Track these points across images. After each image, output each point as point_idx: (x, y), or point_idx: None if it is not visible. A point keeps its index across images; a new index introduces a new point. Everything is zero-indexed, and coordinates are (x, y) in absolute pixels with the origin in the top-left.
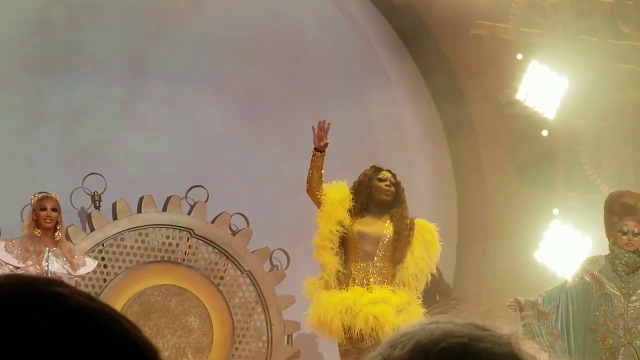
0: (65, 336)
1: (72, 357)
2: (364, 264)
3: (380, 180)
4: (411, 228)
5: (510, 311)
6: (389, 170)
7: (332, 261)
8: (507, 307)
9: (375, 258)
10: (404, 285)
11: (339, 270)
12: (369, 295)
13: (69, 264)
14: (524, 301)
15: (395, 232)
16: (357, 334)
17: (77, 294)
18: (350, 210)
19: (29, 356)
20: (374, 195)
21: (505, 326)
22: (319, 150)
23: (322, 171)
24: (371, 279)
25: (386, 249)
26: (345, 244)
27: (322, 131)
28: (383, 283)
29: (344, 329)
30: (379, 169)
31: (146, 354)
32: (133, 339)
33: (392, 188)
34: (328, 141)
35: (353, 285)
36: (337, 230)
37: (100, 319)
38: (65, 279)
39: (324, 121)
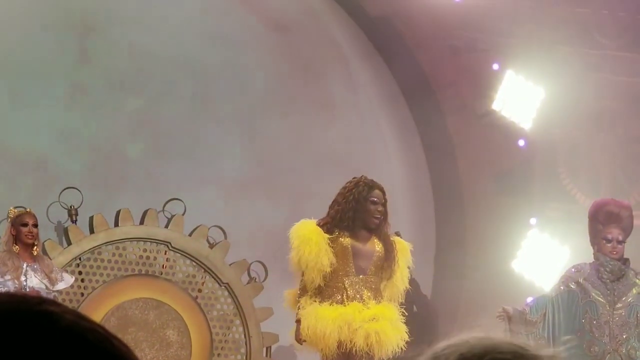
0: (57, 355)
1: None
2: (357, 279)
3: (373, 203)
4: (395, 246)
5: (499, 321)
6: (379, 188)
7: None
8: (497, 317)
9: (368, 272)
10: (390, 301)
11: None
12: (368, 311)
13: (47, 279)
14: (512, 310)
15: (386, 250)
16: (355, 350)
17: (68, 313)
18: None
19: None
20: (363, 217)
21: (546, 349)
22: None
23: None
24: (364, 294)
25: (376, 265)
26: (336, 257)
27: None
28: (375, 298)
29: (337, 344)
30: (371, 187)
31: None
32: (124, 358)
33: (382, 211)
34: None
35: (349, 301)
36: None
37: (91, 338)
38: (44, 294)
39: None
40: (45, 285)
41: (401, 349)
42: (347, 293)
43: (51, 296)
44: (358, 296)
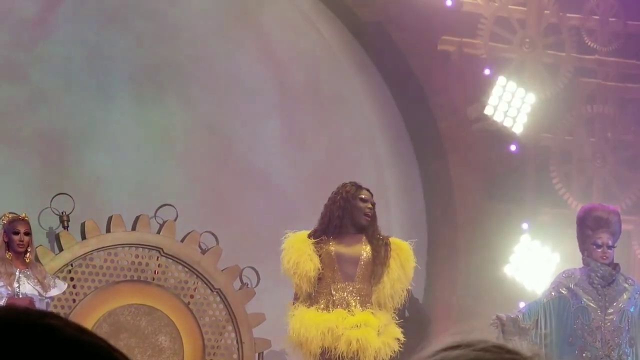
0: None
1: None
2: (344, 285)
3: (363, 200)
4: (386, 247)
5: (493, 329)
6: (367, 189)
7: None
8: (490, 324)
9: (356, 279)
10: (379, 306)
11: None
12: (352, 318)
13: (40, 286)
14: (506, 318)
15: (373, 252)
16: (338, 357)
17: (70, 326)
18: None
19: None
20: (353, 216)
21: (526, 347)
22: None
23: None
24: (351, 300)
25: (365, 270)
26: (323, 264)
27: None
28: (363, 304)
29: (322, 350)
30: (359, 187)
31: None
32: None
33: (373, 210)
34: None
35: (334, 307)
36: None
37: (93, 352)
38: (37, 301)
39: None
40: (38, 292)
41: (394, 351)
42: (332, 299)
43: (44, 303)
44: (344, 303)
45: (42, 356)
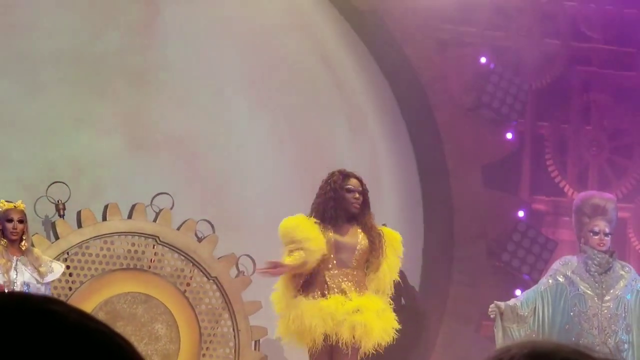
0: (63, 353)
1: None
2: (338, 272)
3: (349, 191)
4: (381, 237)
5: (491, 317)
6: (355, 177)
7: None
8: (489, 313)
9: (350, 266)
10: (376, 293)
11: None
12: (350, 303)
13: (37, 273)
14: (504, 306)
15: (371, 242)
16: (341, 343)
17: (73, 312)
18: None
19: None
20: (343, 206)
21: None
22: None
23: (303, 262)
24: (344, 287)
25: (360, 258)
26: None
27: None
28: (358, 290)
29: (324, 337)
30: (346, 176)
31: None
32: (129, 356)
33: (360, 198)
34: (280, 269)
35: (330, 293)
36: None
37: (97, 337)
38: (34, 288)
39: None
40: (36, 279)
41: (393, 338)
42: (327, 286)
43: (42, 290)
44: (339, 289)
45: (47, 342)
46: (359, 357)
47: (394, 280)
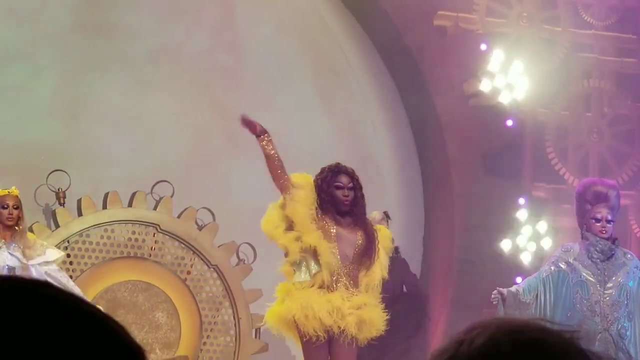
0: (56, 335)
1: (66, 356)
2: (340, 265)
3: (338, 188)
4: (376, 233)
5: (494, 303)
6: (346, 173)
7: (324, 247)
8: (491, 299)
9: (352, 260)
10: (367, 289)
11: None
12: (356, 298)
13: (21, 253)
14: (506, 292)
15: (367, 240)
16: (342, 336)
17: (63, 294)
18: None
19: (23, 355)
20: (334, 203)
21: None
22: (258, 135)
23: (277, 157)
24: (345, 281)
25: (357, 254)
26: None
27: (246, 125)
28: (354, 286)
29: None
30: (335, 173)
31: (136, 354)
32: (122, 339)
33: (350, 195)
34: (257, 127)
35: (334, 286)
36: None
37: (89, 319)
38: (19, 270)
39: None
40: (18, 259)
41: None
42: (331, 279)
43: (29, 271)
44: (340, 283)
45: (39, 325)
46: (356, 350)
47: (382, 279)
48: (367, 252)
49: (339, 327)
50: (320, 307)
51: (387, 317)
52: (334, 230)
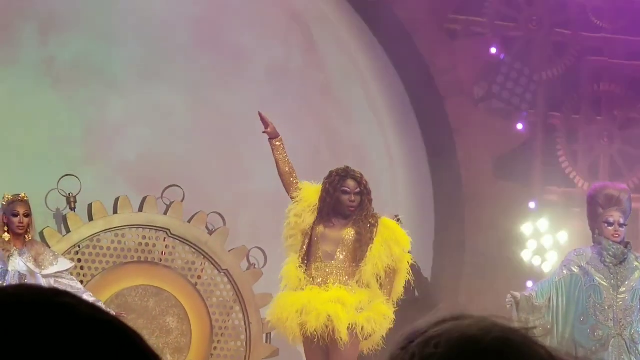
0: (76, 346)
1: None
2: (323, 265)
3: (345, 193)
4: (373, 227)
5: (507, 307)
6: (353, 178)
7: (292, 264)
8: (505, 303)
9: (335, 258)
10: (364, 285)
11: (299, 268)
12: (325, 294)
13: (34, 262)
14: (520, 296)
15: (357, 233)
16: (311, 333)
17: (84, 305)
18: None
19: None
20: (339, 207)
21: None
22: (270, 137)
23: (288, 161)
24: (329, 279)
25: (347, 250)
26: (309, 244)
27: (261, 121)
28: (345, 283)
29: (300, 328)
30: (343, 177)
31: None
32: (140, 347)
33: (356, 200)
34: (270, 127)
35: (311, 285)
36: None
37: (108, 329)
38: (29, 278)
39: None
40: (29, 268)
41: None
42: (313, 279)
43: (41, 281)
44: (323, 282)
45: (59, 335)
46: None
47: (387, 272)
48: (357, 246)
49: (309, 325)
50: (286, 308)
51: (394, 321)
52: (320, 232)
